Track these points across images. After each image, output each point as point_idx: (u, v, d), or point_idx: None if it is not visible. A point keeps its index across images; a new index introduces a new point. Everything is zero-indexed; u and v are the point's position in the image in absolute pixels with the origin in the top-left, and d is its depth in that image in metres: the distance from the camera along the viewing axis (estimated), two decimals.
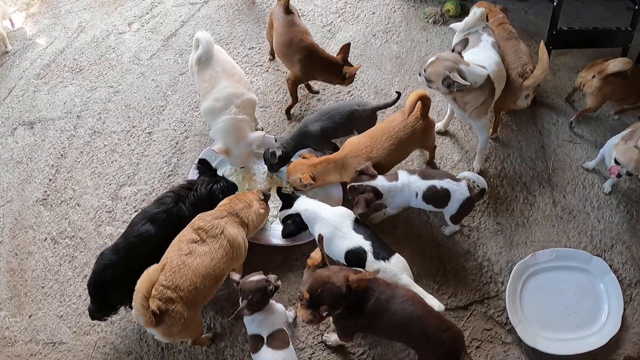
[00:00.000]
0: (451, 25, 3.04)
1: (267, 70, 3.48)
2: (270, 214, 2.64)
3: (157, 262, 2.27)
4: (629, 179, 2.92)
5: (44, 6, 4.13)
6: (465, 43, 2.54)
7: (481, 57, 2.58)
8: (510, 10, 3.60)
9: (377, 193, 2.38)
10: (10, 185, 3.04)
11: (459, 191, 2.41)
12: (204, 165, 2.58)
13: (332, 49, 3.62)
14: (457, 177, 2.48)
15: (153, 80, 3.46)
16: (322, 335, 2.39)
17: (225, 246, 2.13)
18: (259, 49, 3.61)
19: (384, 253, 2.22)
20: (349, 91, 3.36)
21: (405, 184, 2.45)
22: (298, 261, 2.61)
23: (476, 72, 2.45)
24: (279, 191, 2.55)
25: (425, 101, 2.52)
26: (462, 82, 2.38)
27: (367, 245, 2.24)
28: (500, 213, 2.83)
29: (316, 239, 2.25)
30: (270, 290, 2.04)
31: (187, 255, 2.05)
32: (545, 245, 2.72)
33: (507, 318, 2.46)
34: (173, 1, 4.05)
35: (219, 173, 2.65)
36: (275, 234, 2.62)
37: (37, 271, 2.68)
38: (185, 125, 3.20)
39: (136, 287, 1.79)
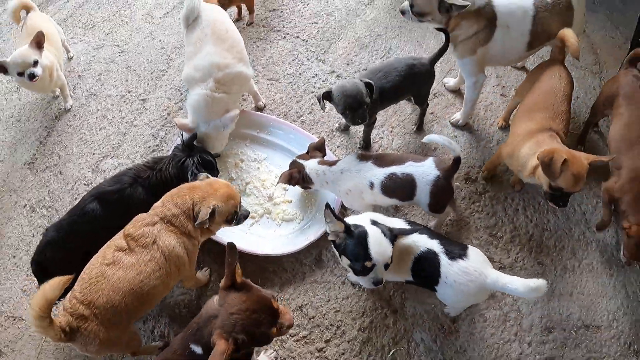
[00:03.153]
0: None
1: (285, 37, 2.95)
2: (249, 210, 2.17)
3: (101, 245, 1.96)
4: None
5: None
6: None
7: None
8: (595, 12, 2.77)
9: (304, 175, 2.07)
10: (5, 145, 2.90)
11: (425, 172, 1.90)
12: (182, 143, 2.17)
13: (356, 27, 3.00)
14: (424, 139, 1.97)
15: (160, 40, 3.11)
16: None
17: (159, 259, 1.73)
18: (281, 11, 3.09)
19: (458, 249, 1.75)
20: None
21: (347, 170, 1.99)
22: (276, 275, 2.17)
23: None
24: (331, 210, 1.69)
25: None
26: (462, 2, 2.01)
27: (436, 245, 1.74)
28: (545, 250, 2.19)
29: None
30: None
31: (109, 265, 1.70)
32: (596, 301, 2.05)
33: None
34: None
35: None
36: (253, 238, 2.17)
37: (12, 239, 2.51)
38: (181, 94, 2.82)
39: (30, 304, 1.54)
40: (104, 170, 2.60)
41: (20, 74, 2.47)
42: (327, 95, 2.06)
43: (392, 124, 2.57)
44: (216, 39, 2.21)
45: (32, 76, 2.46)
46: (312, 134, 2.47)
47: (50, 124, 2.90)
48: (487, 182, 2.38)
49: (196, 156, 2.09)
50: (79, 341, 1.66)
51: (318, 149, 2.16)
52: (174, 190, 1.86)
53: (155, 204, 1.85)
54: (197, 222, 1.77)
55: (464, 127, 2.55)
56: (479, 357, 1.96)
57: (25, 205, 2.60)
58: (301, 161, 2.11)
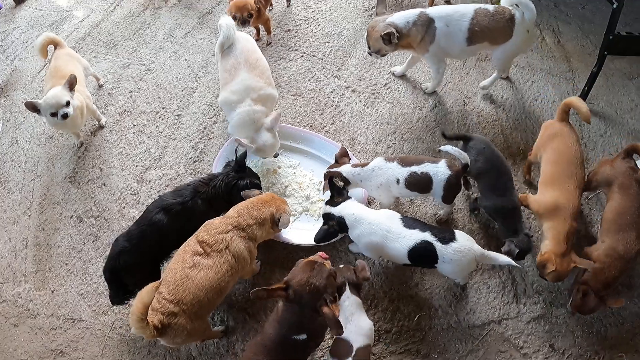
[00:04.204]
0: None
1: (302, 56, 3.32)
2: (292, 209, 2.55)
3: (168, 251, 2.25)
4: None
5: None
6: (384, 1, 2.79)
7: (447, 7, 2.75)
8: (566, 5, 3.27)
9: (342, 178, 2.45)
10: (41, 160, 3.06)
11: (439, 172, 2.33)
12: (235, 160, 2.44)
13: None
14: (440, 148, 2.46)
15: (186, 59, 3.37)
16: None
17: (230, 261, 2.04)
18: (296, 32, 3.45)
19: (447, 235, 2.14)
20: (386, 84, 3.17)
21: (378, 168, 2.42)
22: None
23: (404, 16, 2.69)
24: (331, 180, 2.37)
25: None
26: (387, 31, 2.60)
27: (428, 235, 2.15)
28: (534, 229, 2.59)
29: (360, 246, 2.30)
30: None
31: (191, 268, 1.97)
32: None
33: (525, 342, 2.30)
34: None
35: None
36: (297, 232, 2.52)
37: (62, 248, 2.70)
38: (214, 109, 3.11)
39: (131, 310, 1.77)
40: (149, 181, 2.84)
41: (53, 115, 2.64)
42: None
43: (402, 131, 3.00)
44: (249, 67, 2.55)
45: (65, 116, 2.63)
46: (336, 142, 2.84)
47: (86, 139, 3.10)
48: None
49: (244, 177, 2.37)
50: (168, 335, 1.90)
51: (344, 156, 2.56)
52: (248, 204, 2.16)
53: (230, 214, 2.13)
54: (280, 226, 2.15)
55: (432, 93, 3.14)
56: (486, 317, 2.37)
57: (72, 216, 2.78)
58: (336, 169, 2.49)
